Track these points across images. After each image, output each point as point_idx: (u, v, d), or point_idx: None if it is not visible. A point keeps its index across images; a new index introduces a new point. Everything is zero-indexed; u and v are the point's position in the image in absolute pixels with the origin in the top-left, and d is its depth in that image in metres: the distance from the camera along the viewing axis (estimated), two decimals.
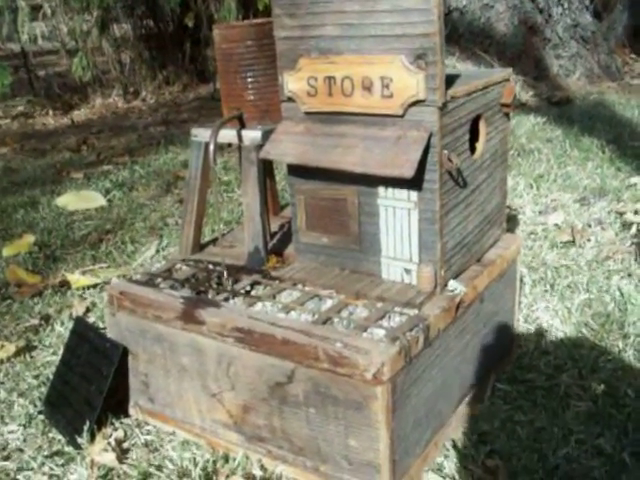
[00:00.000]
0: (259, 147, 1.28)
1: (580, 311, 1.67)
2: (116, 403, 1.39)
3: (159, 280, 1.34)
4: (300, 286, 1.25)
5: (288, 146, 1.21)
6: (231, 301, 1.23)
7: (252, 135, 1.31)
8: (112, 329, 1.36)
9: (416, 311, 1.13)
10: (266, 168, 1.41)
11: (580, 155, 2.93)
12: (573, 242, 2.08)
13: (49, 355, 1.70)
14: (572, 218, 2.27)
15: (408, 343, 1.04)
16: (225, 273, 1.28)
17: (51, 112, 5.39)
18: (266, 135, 1.29)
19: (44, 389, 1.53)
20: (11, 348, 1.72)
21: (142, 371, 1.34)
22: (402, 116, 1.11)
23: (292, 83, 1.20)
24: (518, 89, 4.06)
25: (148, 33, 6.22)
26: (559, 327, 1.60)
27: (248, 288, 1.27)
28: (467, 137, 1.20)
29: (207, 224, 2.39)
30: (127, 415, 1.41)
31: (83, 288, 2.03)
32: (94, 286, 2.04)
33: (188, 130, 3.97)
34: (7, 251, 2.38)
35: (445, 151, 1.11)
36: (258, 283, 1.28)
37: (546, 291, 1.78)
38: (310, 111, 1.21)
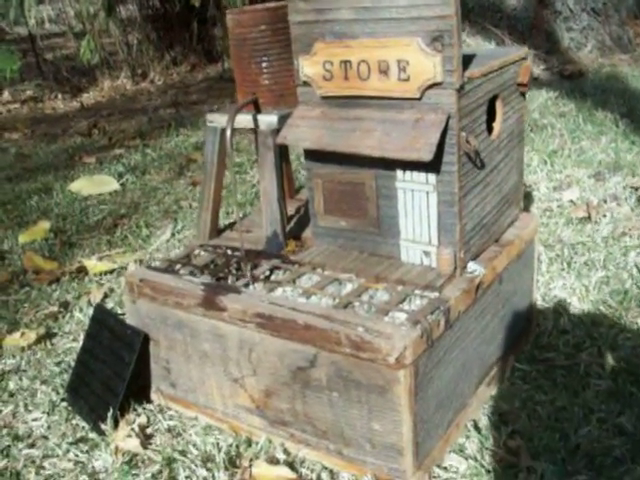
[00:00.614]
0: (275, 132, 1.28)
1: (598, 289, 1.66)
2: (138, 389, 1.41)
3: (178, 267, 1.35)
4: (320, 270, 1.25)
5: (305, 131, 1.21)
6: (251, 287, 1.24)
7: (268, 120, 1.31)
8: (132, 316, 1.36)
9: (436, 294, 1.13)
10: (282, 151, 1.41)
11: (594, 129, 2.91)
12: (589, 218, 2.07)
13: (69, 342, 1.71)
14: (587, 194, 2.26)
15: (429, 326, 1.05)
16: (244, 259, 1.28)
17: (60, 96, 5.39)
18: (282, 119, 1.29)
19: (66, 376, 1.54)
20: (32, 335, 1.73)
21: (163, 357, 1.35)
22: (419, 99, 1.11)
23: (308, 67, 1.20)
24: (529, 63, 4.02)
25: (154, 14, 6.19)
26: (577, 305, 1.60)
27: (268, 273, 1.28)
28: (484, 118, 1.20)
29: (222, 206, 2.40)
30: (149, 401, 1.42)
31: (100, 274, 2.04)
32: (111, 271, 2.05)
33: (198, 112, 3.96)
34: (23, 238, 2.39)
35: (463, 133, 1.11)
36: (278, 268, 1.29)
37: (563, 269, 1.78)
38: (326, 95, 1.20)
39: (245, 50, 1.32)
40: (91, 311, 1.56)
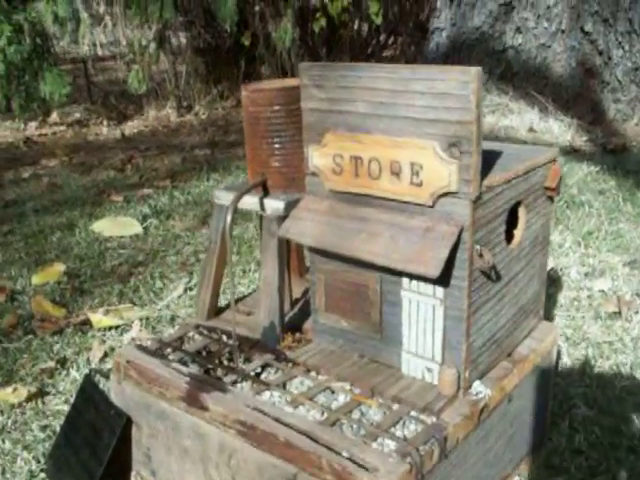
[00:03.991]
0: (281, 219, 1.21)
1: (620, 401, 1.55)
2: (118, 469, 1.33)
3: (169, 350, 1.27)
4: (313, 374, 1.17)
5: (308, 226, 1.13)
6: (239, 385, 1.15)
7: (274, 205, 1.24)
8: (117, 396, 1.29)
9: (434, 418, 1.03)
10: None
11: (634, 211, 2.79)
12: (619, 314, 1.95)
13: (60, 403, 1.65)
14: (620, 284, 2.14)
15: (421, 459, 0.95)
16: (236, 350, 1.20)
17: (105, 122, 5.43)
18: (289, 206, 1.22)
19: (49, 444, 1.47)
20: (23, 392, 1.68)
21: (145, 444, 1.27)
22: (432, 206, 1.02)
23: (317, 158, 1.13)
24: (572, 133, 3.92)
25: (205, 47, 6.25)
26: (596, 420, 1.49)
27: (259, 370, 1.19)
28: (503, 228, 1.11)
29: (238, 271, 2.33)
30: None
31: (105, 329, 1.98)
32: (116, 327, 1.99)
33: (233, 155, 3.92)
34: (37, 279, 2.35)
35: (477, 247, 1.02)
36: (270, 365, 1.20)
37: (584, 373, 1.67)
38: (335, 189, 1.13)
39: (258, 129, 1.26)
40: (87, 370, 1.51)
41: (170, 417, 1.19)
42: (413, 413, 1.05)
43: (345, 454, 0.96)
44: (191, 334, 1.33)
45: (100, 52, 7.65)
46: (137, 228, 2.84)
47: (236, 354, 1.21)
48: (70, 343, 1.92)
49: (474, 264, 1.03)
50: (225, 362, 1.23)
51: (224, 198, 1.31)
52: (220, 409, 1.09)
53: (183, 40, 6.28)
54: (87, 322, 2.02)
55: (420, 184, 1.02)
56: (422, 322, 1.09)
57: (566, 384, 1.62)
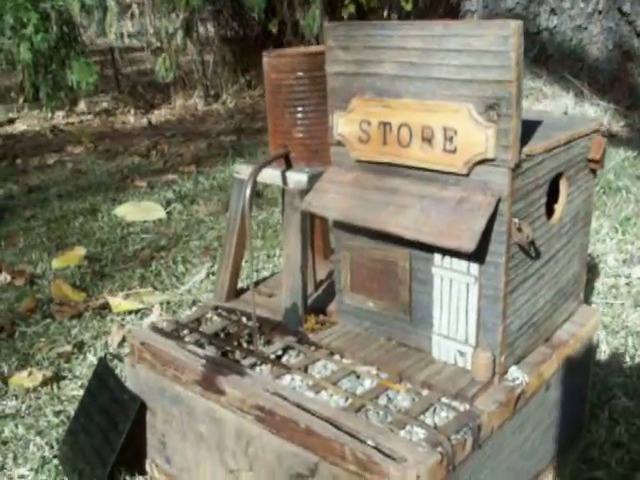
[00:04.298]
0: (304, 192, 1.13)
1: None
2: (132, 455, 1.27)
3: (185, 332, 1.21)
4: (338, 357, 1.09)
5: (333, 198, 1.05)
6: (258, 368, 1.08)
7: (297, 178, 1.16)
8: (131, 380, 1.23)
9: (467, 405, 0.95)
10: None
11: None
12: None
13: (76, 388, 1.59)
14: None
15: (452, 449, 0.87)
16: (256, 332, 1.13)
17: (132, 111, 5.40)
18: (313, 179, 1.14)
19: (63, 430, 1.42)
20: (39, 377, 1.63)
21: (159, 429, 1.20)
22: (466, 175, 0.94)
23: (343, 126, 1.05)
24: (609, 118, 3.79)
25: (232, 36, 6.19)
26: (637, 411, 1.40)
27: (280, 352, 1.12)
28: (544, 200, 1.03)
29: (260, 254, 2.27)
30: (143, 472, 1.29)
31: (124, 313, 1.92)
32: (136, 312, 1.93)
33: (259, 141, 3.86)
34: (57, 263, 2.30)
35: (516, 220, 0.94)
36: (291, 348, 1.13)
37: (624, 363, 1.57)
38: (361, 159, 1.05)
39: (280, 98, 1.18)
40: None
41: (185, 401, 1.12)
42: (444, 399, 0.97)
43: (370, 442, 0.88)
44: (209, 315, 1.27)
45: (127, 42, 7.66)
46: (160, 213, 2.79)
47: (256, 336, 1.14)
48: (88, 327, 1.87)
49: (512, 238, 0.94)
50: (244, 344, 1.16)
51: (244, 172, 1.24)
52: (237, 393, 1.02)
53: (211, 29, 6.24)
54: (106, 306, 1.96)
55: (454, 151, 0.94)
56: (455, 301, 1.01)
57: (605, 374, 1.53)
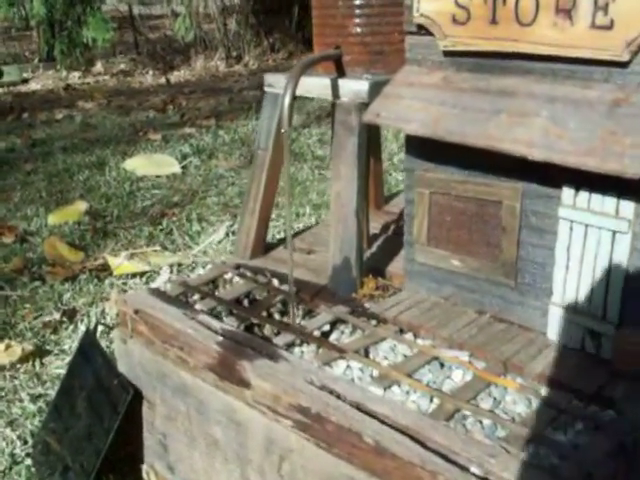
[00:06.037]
0: (364, 107, 0.81)
1: None
2: (125, 459, 0.99)
3: (196, 297, 0.89)
4: (410, 336, 0.77)
5: (412, 106, 0.73)
6: (297, 350, 0.77)
7: (354, 88, 0.84)
8: (122, 361, 0.93)
9: (612, 413, 0.63)
10: (371, 139, 0.93)
11: None
12: None
13: (62, 366, 1.32)
14: None
15: None
16: (293, 299, 0.82)
17: (151, 72, 5.17)
18: (376, 89, 0.81)
19: (41, 419, 1.13)
20: (17, 350, 1.35)
21: (159, 428, 0.90)
22: (626, 65, 0.61)
23: (428, 1, 0.72)
24: None
25: None
26: None
27: (327, 328, 0.80)
28: None
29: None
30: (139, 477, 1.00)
31: (126, 276, 1.62)
32: (141, 275, 1.63)
33: None
34: (53, 219, 2.02)
35: None
36: (343, 322, 0.81)
37: None
38: (455, 50, 0.72)
39: None
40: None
41: (193, 393, 0.81)
42: (576, 402, 0.65)
43: (475, 470, 0.57)
44: (229, 276, 0.95)
45: (150, 8, 7.46)
46: (175, 167, 2.49)
47: (293, 304, 0.82)
48: (83, 292, 1.58)
49: None
50: (276, 315, 0.85)
51: (277, 84, 0.91)
52: (267, 386, 0.70)
53: None
54: (106, 268, 1.66)
55: (609, 26, 0.61)
56: (590, 260, 0.69)
57: None
